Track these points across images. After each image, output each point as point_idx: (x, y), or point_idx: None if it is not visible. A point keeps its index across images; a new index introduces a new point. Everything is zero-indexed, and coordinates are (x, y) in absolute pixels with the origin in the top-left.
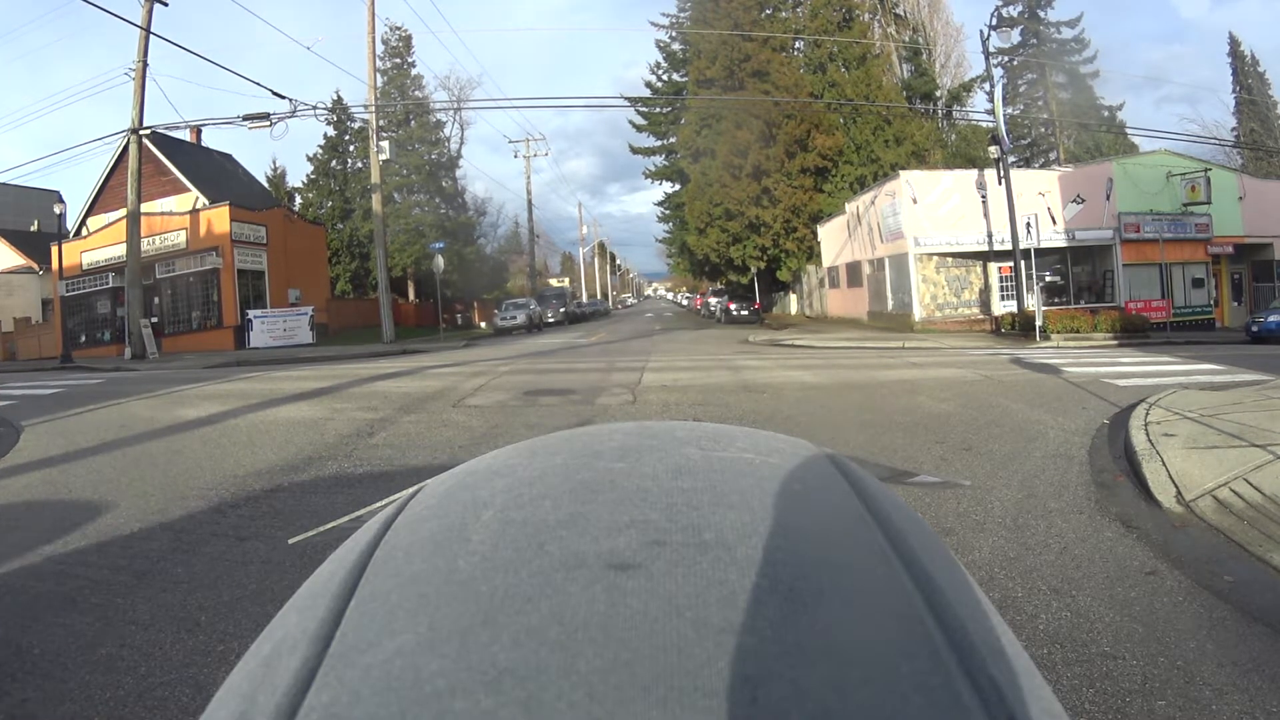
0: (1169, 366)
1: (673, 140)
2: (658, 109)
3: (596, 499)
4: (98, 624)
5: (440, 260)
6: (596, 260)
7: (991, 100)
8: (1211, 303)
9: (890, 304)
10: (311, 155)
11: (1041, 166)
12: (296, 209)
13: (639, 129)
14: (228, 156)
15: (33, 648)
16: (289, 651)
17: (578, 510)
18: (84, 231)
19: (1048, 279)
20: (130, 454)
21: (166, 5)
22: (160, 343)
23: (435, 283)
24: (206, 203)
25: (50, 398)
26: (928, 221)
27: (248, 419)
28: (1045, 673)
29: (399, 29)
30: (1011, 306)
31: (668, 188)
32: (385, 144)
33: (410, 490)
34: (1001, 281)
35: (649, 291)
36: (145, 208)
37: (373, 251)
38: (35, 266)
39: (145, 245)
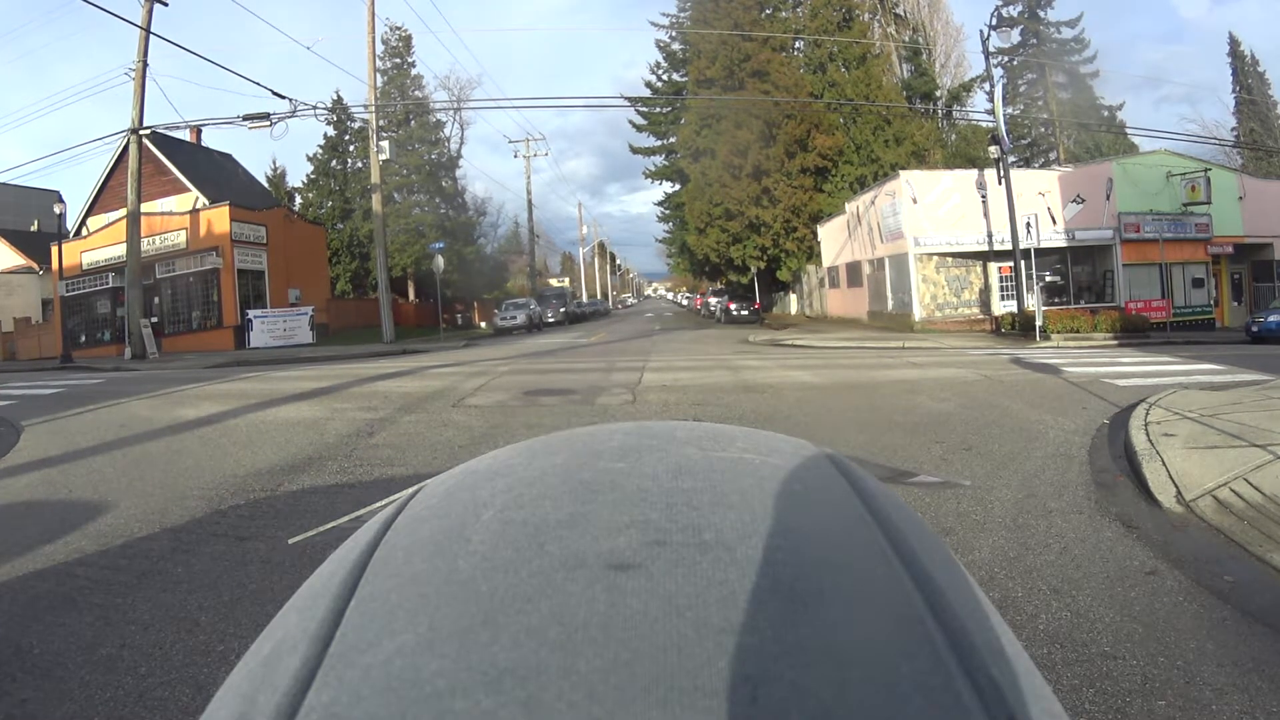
0: (1169, 366)
1: (673, 140)
2: (658, 109)
3: (597, 499)
4: (98, 624)
5: (440, 260)
6: (596, 260)
7: (991, 100)
8: (1211, 303)
9: (890, 304)
10: (311, 155)
11: (1041, 166)
12: (296, 209)
13: (639, 129)
14: (228, 156)
15: (33, 647)
16: (289, 651)
17: (578, 510)
18: (84, 231)
19: (1048, 279)
20: (130, 454)
21: (166, 5)
22: (160, 343)
23: (435, 283)
24: (206, 203)
25: (50, 398)
26: (928, 221)
27: (248, 419)
28: (1045, 673)
29: (399, 29)
30: (1011, 306)
31: (668, 188)
32: (385, 144)
33: (410, 490)
34: (1001, 281)
35: (649, 291)
36: (145, 208)
37: (373, 251)
38: (35, 266)
39: (145, 245)
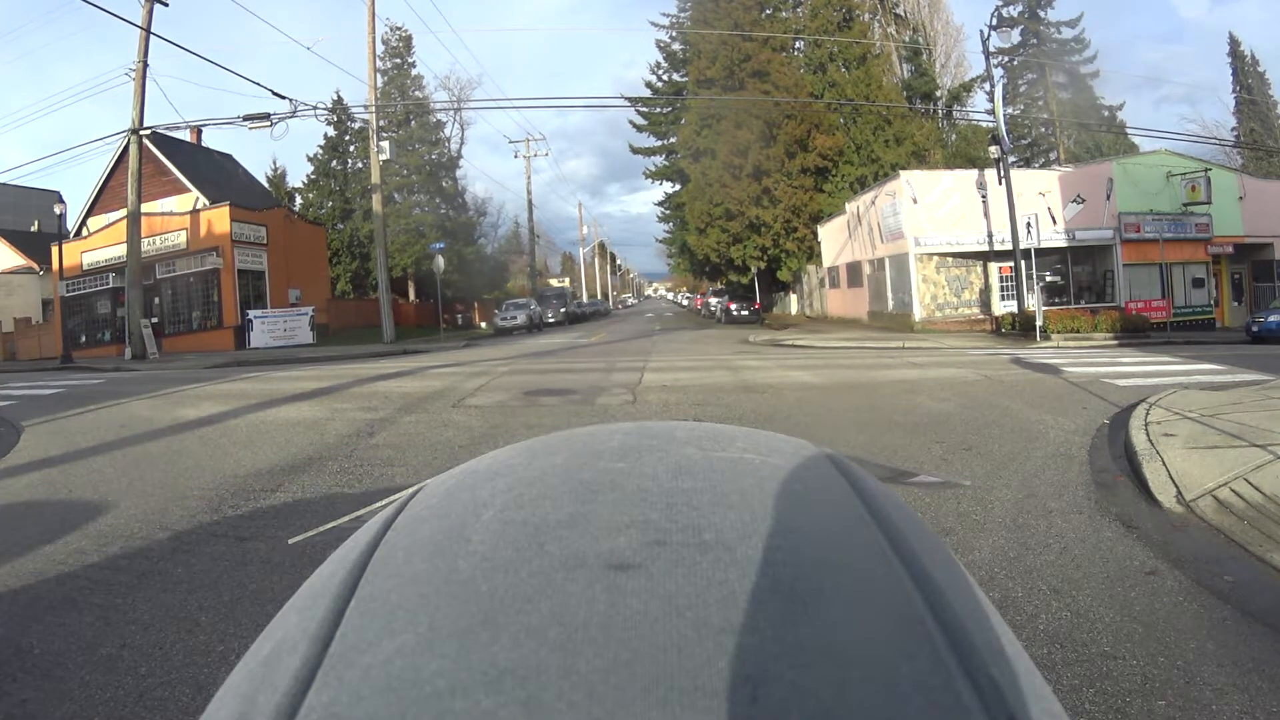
0: (1169, 366)
1: (673, 140)
2: (658, 109)
3: (597, 499)
4: (98, 624)
5: (440, 260)
6: (597, 260)
7: (991, 100)
8: (1212, 303)
9: (890, 304)
10: (312, 155)
11: (1042, 166)
12: (297, 209)
13: (639, 129)
14: (228, 157)
15: (33, 647)
16: (289, 651)
17: (578, 510)
18: (84, 232)
19: (1048, 279)
20: (130, 454)
21: (166, 5)
22: (160, 343)
23: (435, 283)
24: (207, 203)
25: (50, 398)
26: (928, 221)
27: (248, 419)
28: (1045, 673)
29: (399, 29)
30: (1012, 306)
31: (668, 188)
32: (385, 144)
33: (410, 490)
34: (1002, 281)
35: (649, 291)
36: (145, 208)
37: (373, 252)
38: (35, 267)
39: (145, 245)
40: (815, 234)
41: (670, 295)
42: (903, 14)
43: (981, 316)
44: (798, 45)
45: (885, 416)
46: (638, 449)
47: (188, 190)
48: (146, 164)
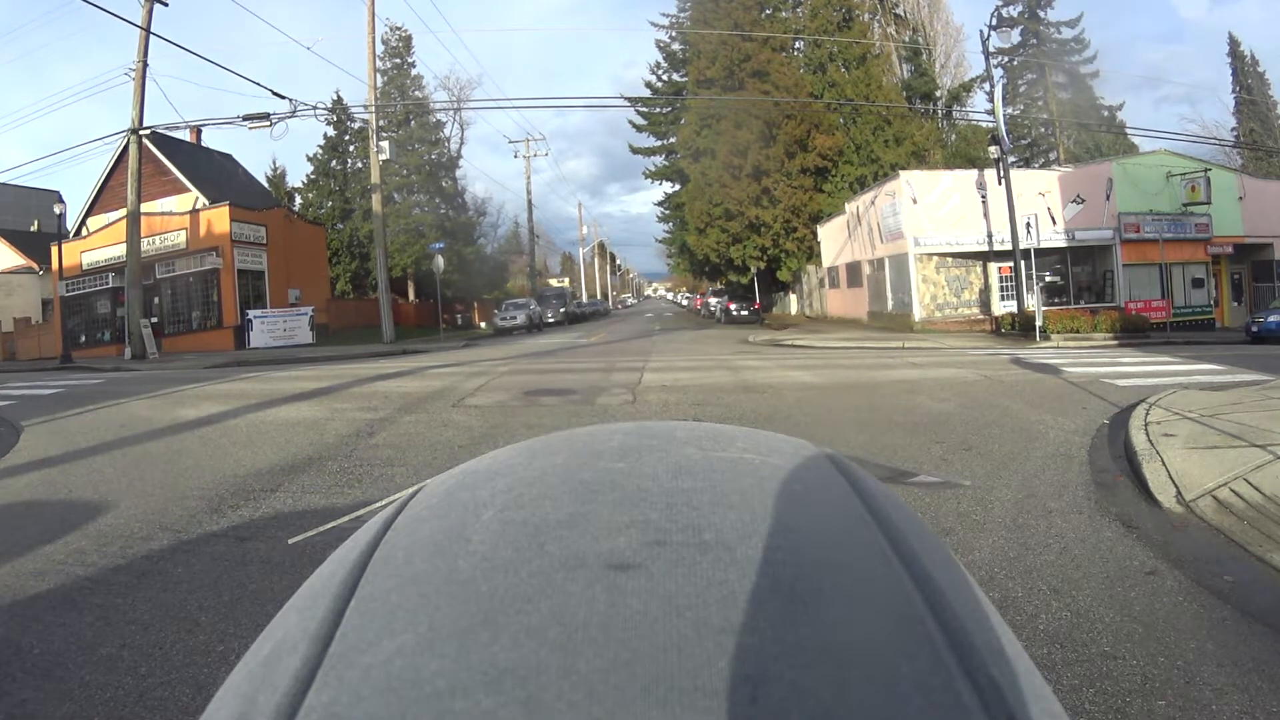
0: (1169, 366)
1: (673, 140)
2: (658, 109)
3: (597, 499)
4: (98, 624)
5: (440, 260)
6: (596, 260)
7: (991, 100)
8: (1211, 303)
9: (890, 304)
10: (311, 155)
11: (1041, 166)
12: (296, 209)
13: (639, 129)
14: (228, 156)
15: (33, 647)
16: (289, 651)
17: (578, 510)
18: (84, 231)
19: (1048, 279)
20: (130, 454)
21: (166, 5)
22: (160, 343)
23: (435, 283)
24: (206, 203)
25: (50, 398)
26: (928, 222)
27: (248, 419)
28: (1045, 673)
29: (399, 29)
30: (1011, 307)
31: (668, 188)
32: (385, 144)
33: (410, 490)
34: (1001, 281)
35: (649, 291)
36: (145, 208)
37: (373, 251)
38: (35, 266)
39: (145, 245)
40: (815, 234)
41: (670, 295)
42: (902, 14)
43: (981, 317)
44: (797, 45)
45: (885, 416)
46: (638, 449)
47: (187, 190)
48: (146, 164)
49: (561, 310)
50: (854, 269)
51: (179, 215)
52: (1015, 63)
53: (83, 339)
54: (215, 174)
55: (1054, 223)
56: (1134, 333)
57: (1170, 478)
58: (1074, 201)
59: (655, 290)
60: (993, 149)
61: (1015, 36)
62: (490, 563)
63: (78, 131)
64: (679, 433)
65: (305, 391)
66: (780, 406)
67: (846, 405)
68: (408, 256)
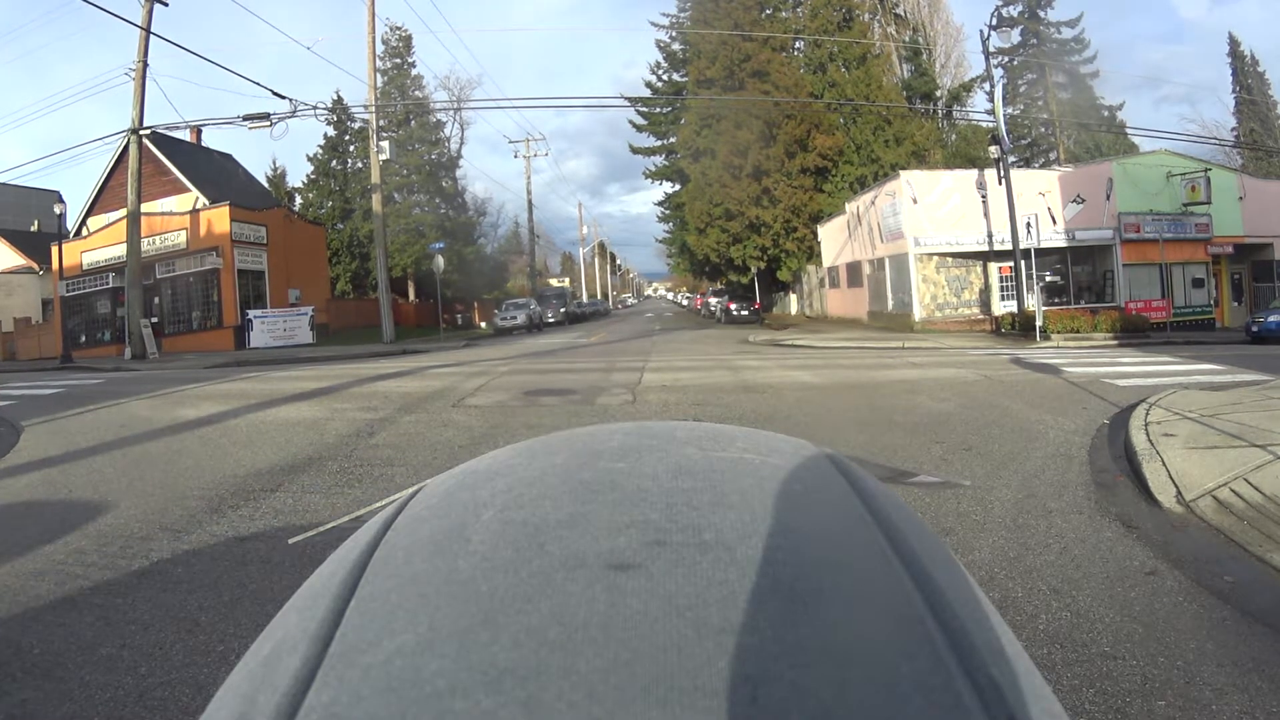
0: (1169, 366)
1: (673, 140)
2: (658, 109)
3: (596, 499)
4: (98, 624)
5: (440, 260)
6: (596, 260)
7: (991, 100)
8: (1211, 303)
9: (890, 304)
10: (311, 155)
11: (1041, 166)
12: (297, 209)
13: (639, 129)
14: (228, 156)
15: (33, 648)
16: (289, 651)
17: (578, 510)
18: (84, 231)
19: (1048, 279)
20: (130, 454)
21: (166, 5)
22: (160, 343)
23: (435, 283)
24: (206, 203)
25: (50, 398)
26: (928, 221)
27: (248, 419)
28: (1045, 673)
29: (399, 29)
30: (1011, 306)
31: (668, 188)
32: (385, 144)
33: (410, 490)
34: (1001, 281)
35: (649, 291)
36: (145, 208)
37: (373, 251)
38: (35, 266)
39: (145, 245)
40: (815, 234)
41: (670, 295)
42: (903, 14)
43: (981, 316)
44: (798, 45)
45: (885, 416)
46: (638, 449)
47: (187, 190)
48: (146, 164)
49: (561, 310)
50: (854, 269)
51: (179, 215)
52: (1015, 63)
53: (83, 339)
54: (215, 174)
55: (1054, 223)
56: (1134, 333)
57: (1170, 478)
58: (1074, 201)
59: (655, 290)
60: (993, 149)
61: (1015, 36)
62: (490, 563)
63: (78, 131)
64: (679, 433)
65: (305, 391)
66: (780, 406)
67: (847, 405)
68: (408, 256)
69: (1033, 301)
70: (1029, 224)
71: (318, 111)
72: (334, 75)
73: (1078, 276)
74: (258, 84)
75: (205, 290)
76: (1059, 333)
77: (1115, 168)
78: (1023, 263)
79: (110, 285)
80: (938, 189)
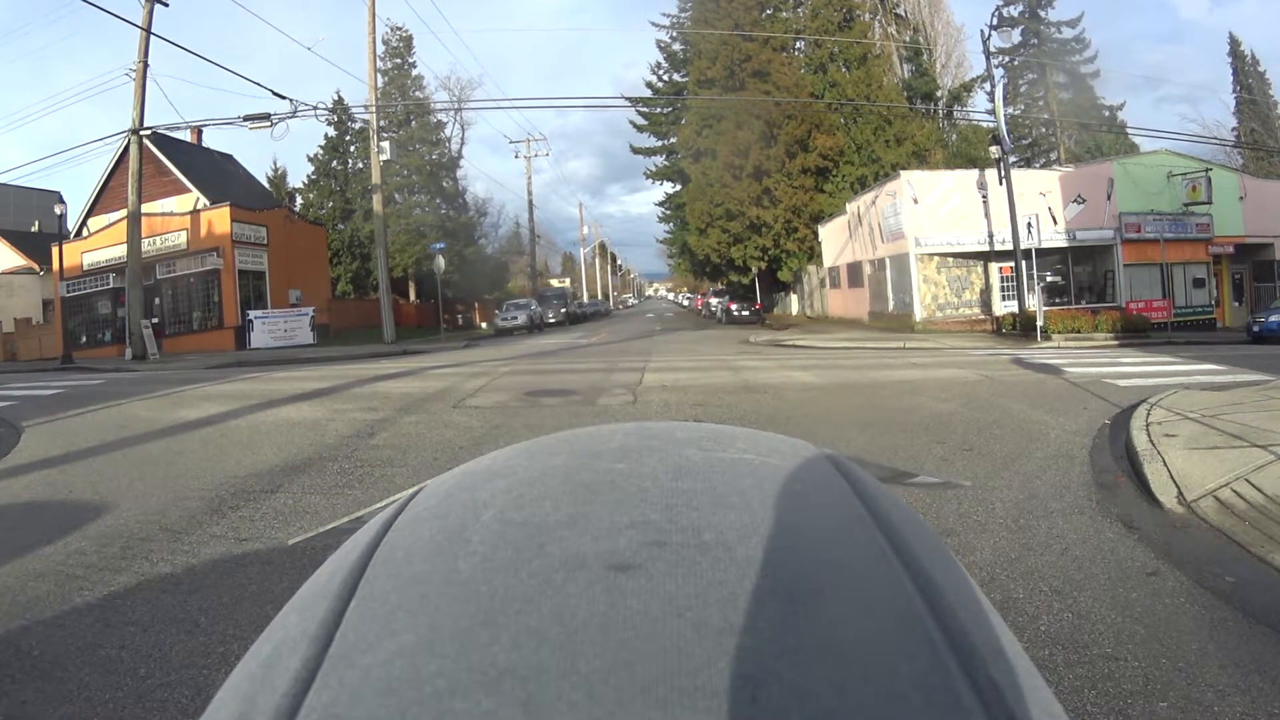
0: (1170, 367)
1: (673, 140)
2: (658, 109)
3: (596, 500)
4: (97, 625)
5: (441, 261)
6: (597, 260)
7: (992, 100)
8: (1212, 303)
9: (891, 304)
10: (312, 155)
11: (1042, 166)
12: (297, 209)
13: (639, 129)
14: (228, 157)
15: (32, 649)
16: (289, 652)
17: (578, 511)
18: (85, 232)
19: (1049, 279)
20: (130, 455)
21: (167, 5)
22: (161, 343)
23: (436, 283)
24: (207, 203)
25: (51, 398)
26: (928, 221)
27: (248, 420)
28: (1047, 674)
29: (399, 29)
30: (1012, 307)
31: (668, 188)
32: (386, 144)
33: (410, 491)
34: (1002, 281)
35: (650, 292)
36: (146, 208)
37: (373, 252)
38: (36, 267)
39: (146, 246)
40: (816, 234)
41: (671, 295)
42: (903, 14)
43: (982, 317)
44: (798, 45)
45: (887, 417)
46: (638, 450)
47: (188, 190)
48: (147, 164)
49: (562, 310)
50: (855, 269)
51: (180, 216)
52: (1016, 62)
53: (83, 339)
54: (216, 174)
55: (1055, 223)
56: (1135, 333)
57: (1172, 478)
58: (1075, 201)
59: (656, 290)
60: (993, 149)
61: (1016, 36)
62: (490, 563)
63: (78, 132)
64: (679, 433)
65: (306, 392)
66: (782, 407)
67: (848, 406)
68: (409, 257)
69: (1034, 302)
70: (1030, 224)
71: (318, 112)
72: (334, 75)
73: (1078, 276)
74: (258, 84)
75: (206, 291)
76: (1060, 333)
77: (1116, 168)
78: (1023, 263)
79: (111, 286)
80: (938, 189)
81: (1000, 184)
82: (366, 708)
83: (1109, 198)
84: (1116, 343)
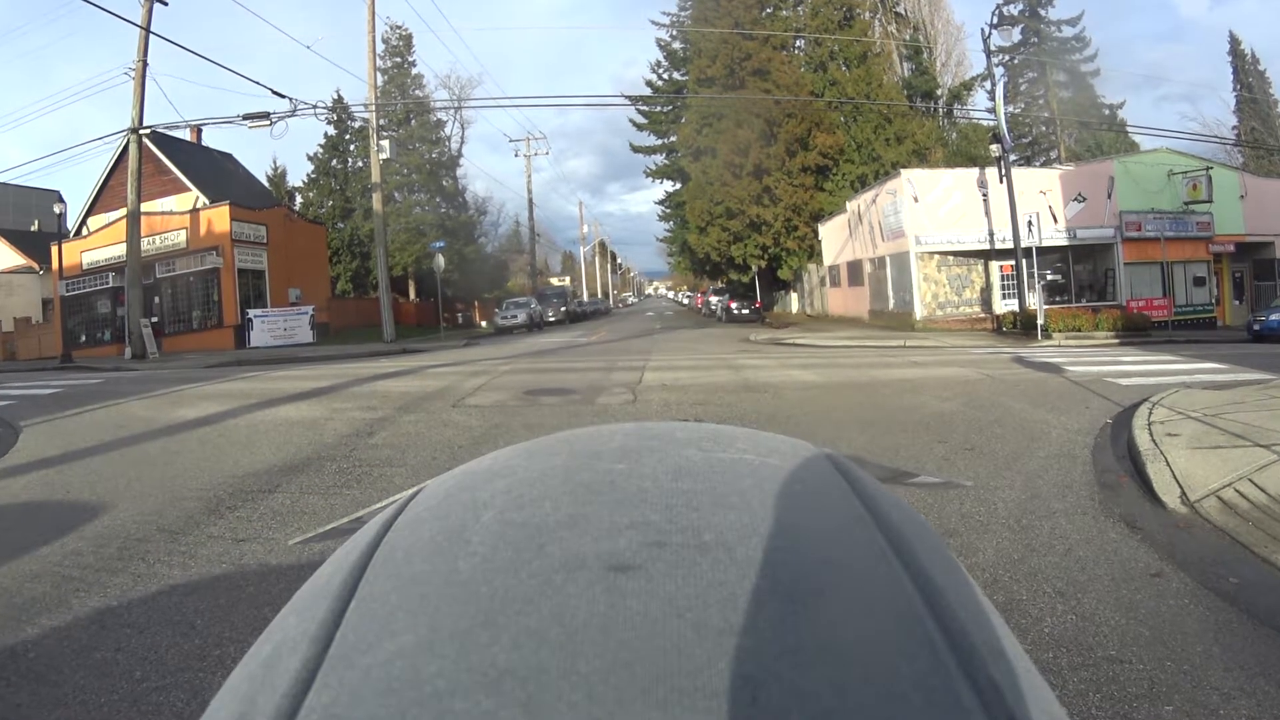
0: (1171, 365)
1: (673, 139)
2: (658, 107)
3: (596, 500)
4: (93, 627)
5: (441, 259)
6: (597, 259)
7: (992, 99)
8: (1213, 301)
9: (891, 303)
10: (312, 154)
11: (1042, 165)
12: (297, 208)
13: (639, 128)
14: (228, 156)
15: (28, 651)
16: (289, 652)
17: (577, 511)
18: (84, 231)
19: (1049, 277)
20: (128, 454)
21: (166, 4)
22: (160, 342)
23: (436, 282)
24: (207, 202)
25: (49, 398)
26: (929, 220)
27: (247, 419)
28: (1052, 677)
29: (399, 28)
30: (1013, 305)
31: (668, 186)
32: (386, 143)
33: (410, 491)
34: (1003, 280)
35: (650, 290)
36: (145, 207)
37: (373, 251)
38: (35, 266)
39: (145, 245)
40: (816, 232)
41: (671, 294)
42: (903, 12)
43: (983, 315)
44: (798, 44)
45: (887, 416)
46: (638, 450)
47: (187, 189)
48: (146, 163)
49: (562, 309)
50: (855, 267)
51: (179, 215)
52: (1016, 61)
53: (83, 339)
54: (215, 173)
55: (1055, 221)
56: (1135, 331)
57: (1174, 478)
58: (1075, 200)
59: (656, 289)
60: (994, 147)
61: (1016, 35)
62: (490, 564)
63: (78, 131)
64: (679, 433)
65: (305, 391)
66: (782, 406)
67: (849, 405)
68: (408, 255)
69: (1034, 300)
70: (1030, 222)
71: (318, 111)
72: (334, 74)
73: (1079, 275)
74: (258, 83)
75: (205, 290)
76: (1060, 331)
77: (1116, 166)
78: (1024, 261)
79: (110, 285)
80: (939, 187)
81: (1000, 182)
82: (366, 708)
83: (1109, 196)
84: (1117, 341)
